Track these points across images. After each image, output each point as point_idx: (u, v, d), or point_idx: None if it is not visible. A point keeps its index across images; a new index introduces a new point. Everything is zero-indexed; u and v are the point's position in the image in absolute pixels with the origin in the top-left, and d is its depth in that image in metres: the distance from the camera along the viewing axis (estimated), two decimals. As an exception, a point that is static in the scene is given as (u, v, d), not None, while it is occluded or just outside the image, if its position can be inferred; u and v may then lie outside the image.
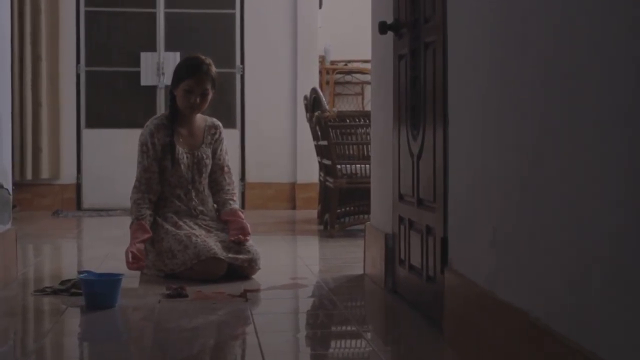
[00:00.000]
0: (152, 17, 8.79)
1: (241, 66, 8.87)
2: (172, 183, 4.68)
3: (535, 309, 2.34)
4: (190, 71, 4.65)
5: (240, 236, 4.53)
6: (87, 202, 8.69)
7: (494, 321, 2.63)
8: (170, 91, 4.74)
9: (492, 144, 2.75)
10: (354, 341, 3.37)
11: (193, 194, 4.72)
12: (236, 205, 4.79)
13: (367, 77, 10.33)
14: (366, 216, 6.35)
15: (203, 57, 4.73)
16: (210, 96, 4.68)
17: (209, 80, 4.65)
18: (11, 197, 4.50)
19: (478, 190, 2.87)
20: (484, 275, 2.77)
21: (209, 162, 4.75)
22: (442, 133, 3.24)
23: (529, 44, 2.42)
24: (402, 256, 3.90)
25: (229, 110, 8.71)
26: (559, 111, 2.20)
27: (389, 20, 4.04)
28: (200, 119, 4.80)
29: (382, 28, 3.99)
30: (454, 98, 3.14)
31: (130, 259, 4.41)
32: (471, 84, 2.97)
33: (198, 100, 4.64)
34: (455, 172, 3.13)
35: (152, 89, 8.75)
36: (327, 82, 10.34)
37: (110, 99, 8.80)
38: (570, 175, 2.13)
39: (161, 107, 8.63)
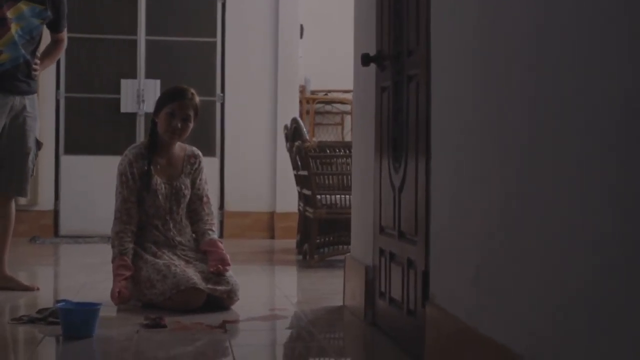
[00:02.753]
0: (133, 44, 8.77)
1: (221, 94, 8.86)
2: (149, 213, 4.66)
3: (517, 344, 2.34)
4: (174, 96, 4.67)
5: (220, 267, 4.51)
6: (64, 229, 8.63)
7: (476, 356, 2.62)
8: (152, 120, 4.73)
9: (474, 180, 2.75)
10: (333, 374, 3.35)
11: (171, 224, 4.69)
12: (215, 235, 4.77)
13: (348, 107, 10.35)
14: (346, 247, 6.33)
15: (187, 87, 4.75)
16: (191, 125, 4.67)
17: (192, 107, 4.66)
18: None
19: (461, 225, 2.87)
20: (466, 310, 2.76)
21: (187, 192, 4.73)
22: (425, 166, 3.24)
23: (513, 79, 2.43)
24: (383, 289, 3.88)
25: (208, 138, 8.69)
26: (542, 148, 2.21)
27: (372, 52, 4.05)
28: (180, 149, 4.79)
29: (365, 60, 4.00)
30: (437, 131, 3.15)
31: (117, 298, 4.38)
32: (454, 117, 2.97)
33: (180, 124, 4.62)
34: (438, 205, 3.13)
35: (132, 116, 8.72)
36: (308, 112, 10.34)
37: (90, 125, 8.76)
38: (553, 213, 2.13)
39: (141, 135, 8.60)
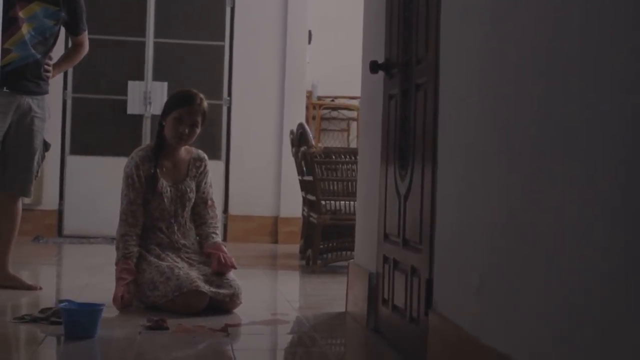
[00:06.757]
0: (141, 47, 8.79)
1: (228, 98, 8.87)
2: (154, 216, 4.65)
3: (520, 355, 2.33)
4: (183, 101, 4.66)
5: (222, 257, 4.52)
6: (68, 229, 8.64)
7: (478, 366, 2.62)
8: (159, 122, 4.72)
9: (480, 189, 2.74)
10: (334, 380, 3.34)
11: (175, 227, 4.69)
12: (219, 238, 4.77)
13: (354, 114, 10.35)
14: (349, 253, 6.33)
15: (197, 91, 4.74)
16: (198, 130, 4.67)
17: (200, 113, 4.65)
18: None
19: (465, 234, 2.87)
20: (469, 319, 2.76)
21: (192, 195, 4.73)
22: (431, 175, 3.24)
23: (522, 89, 2.43)
24: (386, 296, 3.88)
25: (214, 141, 8.69)
26: (548, 159, 2.20)
27: (380, 59, 4.05)
28: (186, 152, 4.79)
29: (374, 67, 4.00)
30: (444, 140, 3.14)
31: (120, 302, 4.37)
32: (461, 127, 2.97)
33: (187, 130, 4.62)
34: (443, 214, 3.13)
35: (139, 118, 8.73)
36: (314, 117, 10.35)
37: (96, 126, 8.77)
38: (559, 224, 2.13)
39: (147, 137, 8.61)
